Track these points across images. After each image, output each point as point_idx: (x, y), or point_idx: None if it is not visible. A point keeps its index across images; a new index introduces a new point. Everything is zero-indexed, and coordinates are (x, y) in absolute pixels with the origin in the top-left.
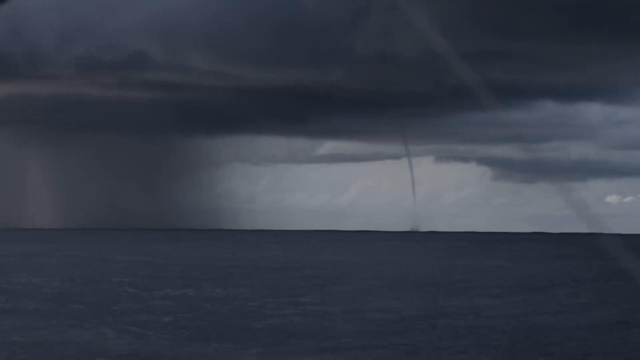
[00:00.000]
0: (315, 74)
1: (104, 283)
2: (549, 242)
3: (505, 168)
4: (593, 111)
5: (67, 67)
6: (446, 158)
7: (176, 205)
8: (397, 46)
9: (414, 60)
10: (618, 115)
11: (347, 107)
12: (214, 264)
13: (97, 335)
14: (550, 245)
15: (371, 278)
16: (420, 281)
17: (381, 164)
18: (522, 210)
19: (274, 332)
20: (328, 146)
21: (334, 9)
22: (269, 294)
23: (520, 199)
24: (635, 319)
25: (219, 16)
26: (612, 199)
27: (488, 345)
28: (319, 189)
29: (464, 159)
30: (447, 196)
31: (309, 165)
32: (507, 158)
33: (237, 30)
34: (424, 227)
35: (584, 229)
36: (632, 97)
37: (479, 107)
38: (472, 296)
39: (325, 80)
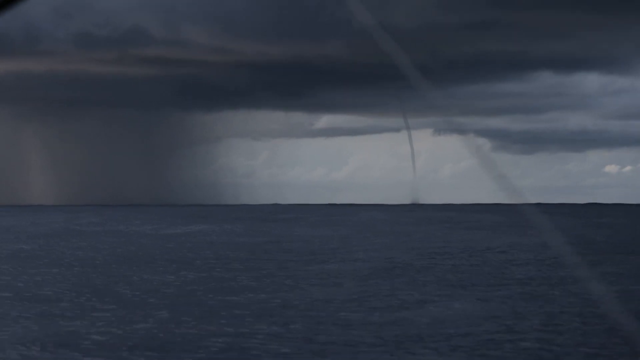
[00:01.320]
0: (313, 47)
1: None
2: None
3: (503, 139)
4: (590, 81)
5: (65, 44)
6: (444, 130)
7: (175, 180)
8: (394, 17)
9: (411, 32)
10: (615, 85)
11: (345, 80)
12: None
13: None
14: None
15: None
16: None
17: (379, 137)
18: (520, 182)
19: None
20: (326, 120)
21: None
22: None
23: (518, 170)
24: None
25: None
26: (611, 168)
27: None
28: (317, 163)
29: (462, 131)
30: (445, 168)
31: (306, 139)
32: (504, 129)
33: (235, 5)
34: (424, 200)
35: (580, 199)
36: (629, 67)
37: (475, 80)
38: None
39: (323, 53)
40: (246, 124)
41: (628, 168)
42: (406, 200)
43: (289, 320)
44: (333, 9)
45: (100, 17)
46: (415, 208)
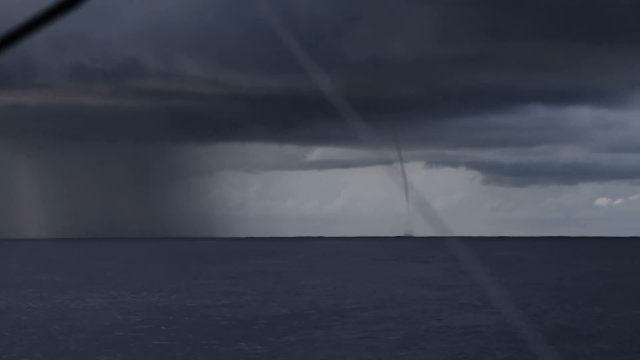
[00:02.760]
0: (308, 80)
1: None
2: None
3: (495, 172)
4: (582, 114)
5: (60, 76)
6: (436, 163)
7: (168, 213)
8: (389, 51)
9: (407, 65)
10: (606, 119)
11: (338, 113)
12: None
13: None
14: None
15: None
16: None
17: (372, 169)
18: (513, 214)
19: None
20: (318, 152)
21: (326, 15)
22: None
23: (511, 203)
24: None
25: (212, 24)
26: (602, 201)
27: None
28: (310, 195)
29: (454, 163)
30: (437, 201)
31: (299, 171)
32: (496, 162)
33: (230, 37)
34: (417, 233)
35: (572, 232)
36: (620, 100)
37: (469, 112)
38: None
39: (317, 86)
40: (239, 157)
41: (619, 201)
42: (399, 232)
43: None
44: (329, 42)
45: (96, 49)
46: (409, 240)
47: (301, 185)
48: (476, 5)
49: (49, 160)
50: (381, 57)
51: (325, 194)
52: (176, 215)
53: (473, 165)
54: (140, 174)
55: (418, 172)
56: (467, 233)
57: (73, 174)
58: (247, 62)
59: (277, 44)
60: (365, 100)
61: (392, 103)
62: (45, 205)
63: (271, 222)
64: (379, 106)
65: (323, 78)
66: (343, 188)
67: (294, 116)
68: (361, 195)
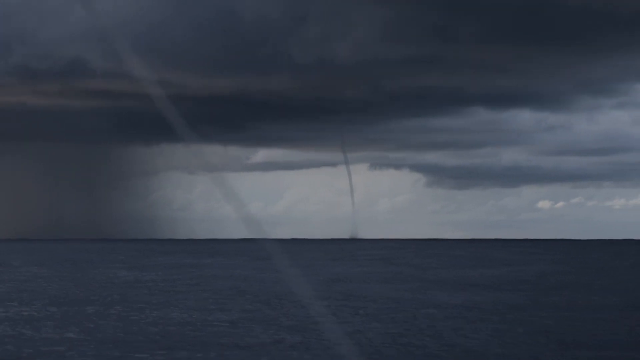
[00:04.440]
0: (256, 81)
1: None
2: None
3: (437, 175)
4: (524, 117)
5: (5, 76)
6: (380, 165)
7: (113, 214)
8: (335, 52)
9: (353, 67)
10: (548, 121)
11: (285, 114)
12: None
13: None
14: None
15: None
16: None
17: (316, 171)
18: (455, 217)
19: None
20: (262, 154)
21: (273, 15)
22: None
23: (453, 205)
24: None
25: (159, 23)
26: (544, 204)
27: None
28: (253, 197)
29: (397, 166)
30: (381, 203)
31: (243, 173)
32: (439, 164)
33: (178, 37)
34: (362, 235)
35: (512, 234)
36: (562, 103)
37: (413, 114)
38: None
39: (266, 87)
40: (184, 158)
41: (561, 204)
42: (344, 235)
43: None
44: (275, 42)
45: (42, 49)
46: (354, 242)
47: (245, 187)
48: (423, 7)
49: None
50: (328, 58)
51: (269, 195)
52: (121, 216)
53: (416, 167)
54: (85, 175)
55: (362, 174)
56: (410, 235)
57: (15, 175)
58: (195, 62)
59: (225, 44)
60: (312, 102)
61: (338, 104)
62: None
63: (215, 224)
64: (325, 108)
65: (154, 86)
66: (287, 190)
67: (240, 117)
68: (305, 197)
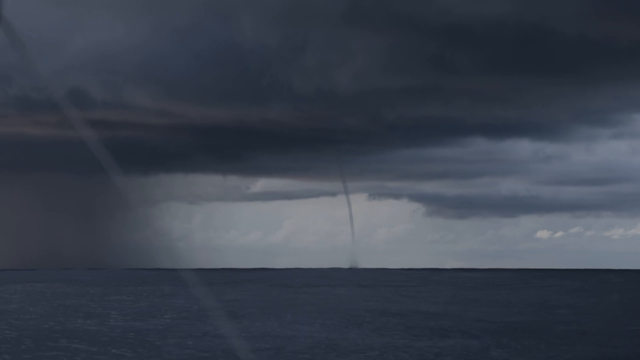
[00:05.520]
0: (255, 111)
1: None
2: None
3: (436, 204)
4: (522, 147)
5: (4, 107)
6: (379, 195)
7: (110, 244)
8: (335, 82)
9: (353, 96)
10: (546, 151)
11: (284, 144)
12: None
13: None
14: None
15: None
16: None
17: (315, 200)
18: (455, 247)
19: None
20: (262, 183)
21: (272, 45)
22: None
23: (453, 235)
24: None
25: (159, 53)
26: (543, 234)
27: None
28: (252, 226)
29: (396, 195)
30: (380, 233)
31: (242, 202)
32: (439, 194)
33: (177, 67)
34: (362, 265)
35: (511, 264)
36: (559, 133)
37: (412, 144)
38: None
39: (265, 117)
40: (183, 188)
41: (559, 233)
42: (344, 264)
43: None
44: (274, 72)
45: (41, 79)
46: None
47: (244, 217)
48: (422, 37)
49: None
50: (327, 88)
51: (268, 225)
52: (121, 246)
53: (415, 197)
54: (84, 205)
55: (361, 204)
56: (409, 265)
57: (13, 204)
58: (194, 93)
59: (224, 74)
60: (311, 132)
61: (337, 134)
62: None
63: (214, 253)
64: (324, 137)
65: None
66: (286, 219)
67: (239, 147)
68: (304, 226)
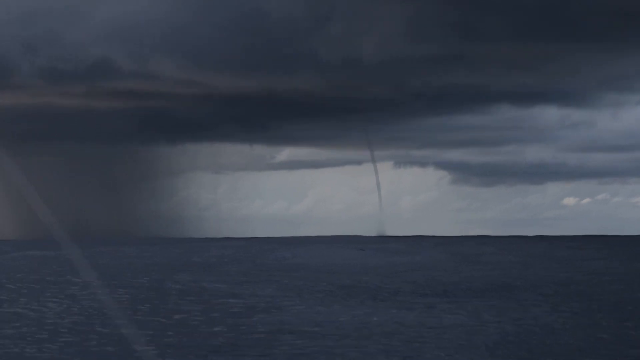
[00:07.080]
0: (282, 80)
1: None
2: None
3: (462, 172)
4: (548, 114)
5: (31, 78)
6: (404, 163)
7: (138, 213)
8: (361, 51)
9: (378, 65)
10: (573, 118)
11: (311, 113)
12: None
13: None
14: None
15: None
16: None
17: (341, 169)
18: (481, 214)
19: None
20: (287, 152)
21: (298, 14)
22: None
23: (478, 203)
24: None
25: (186, 23)
26: (569, 201)
27: None
28: (278, 196)
29: (422, 163)
30: (405, 201)
31: (268, 172)
32: (464, 162)
33: (204, 37)
34: (389, 233)
35: (537, 231)
36: (586, 100)
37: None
38: None
39: (292, 86)
40: (209, 157)
41: (586, 200)
42: (371, 232)
43: None
44: (300, 42)
45: (67, 50)
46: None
47: (270, 186)
48: (447, 5)
49: (16, 161)
50: (353, 57)
51: (293, 194)
52: (147, 215)
53: (441, 165)
54: (110, 175)
55: (387, 172)
56: (435, 232)
57: (41, 175)
58: (221, 62)
59: (251, 44)
60: (338, 100)
61: (363, 103)
62: (11, 206)
63: (239, 223)
64: (350, 106)
65: None
66: (311, 188)
67: (266, 116)
68: (330, 195)
